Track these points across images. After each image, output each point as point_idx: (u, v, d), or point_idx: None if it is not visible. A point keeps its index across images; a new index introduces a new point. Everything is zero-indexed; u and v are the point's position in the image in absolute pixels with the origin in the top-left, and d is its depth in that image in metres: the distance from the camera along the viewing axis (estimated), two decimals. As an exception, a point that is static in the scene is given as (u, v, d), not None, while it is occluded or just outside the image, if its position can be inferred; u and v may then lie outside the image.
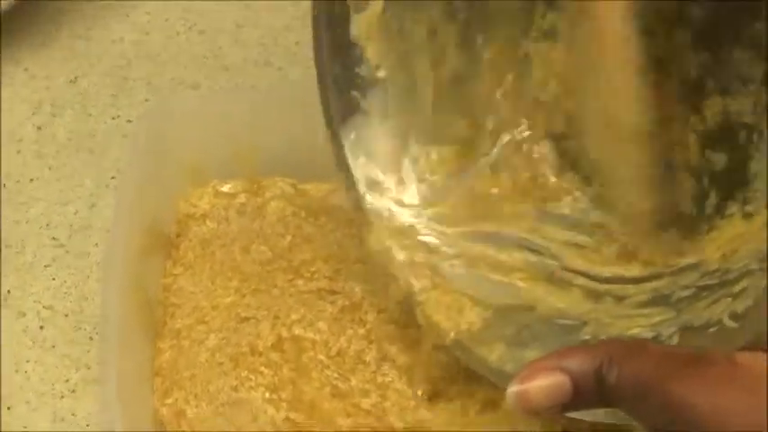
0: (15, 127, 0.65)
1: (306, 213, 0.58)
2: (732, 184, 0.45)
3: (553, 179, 0.52)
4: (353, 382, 0.52)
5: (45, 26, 0.70)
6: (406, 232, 0.51)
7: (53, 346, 0.56)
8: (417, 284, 0.50)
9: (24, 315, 0.57)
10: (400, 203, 0.52)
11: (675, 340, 0.42)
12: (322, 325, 0.54)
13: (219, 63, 0.69)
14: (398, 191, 0.52)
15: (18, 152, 0.64)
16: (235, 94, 0.66)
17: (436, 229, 0.51)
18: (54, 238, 0.61)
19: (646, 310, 0.45)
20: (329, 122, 0.51)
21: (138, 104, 0.66)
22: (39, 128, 0.65)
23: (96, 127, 0.65)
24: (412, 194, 0.52)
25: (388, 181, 0.52)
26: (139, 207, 0.54)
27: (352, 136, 0.51)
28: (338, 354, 0.53)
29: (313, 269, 0.56)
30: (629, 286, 0.47)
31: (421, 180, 0.52)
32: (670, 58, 0.46)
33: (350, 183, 0.51)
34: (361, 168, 0.51)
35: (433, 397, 0.51)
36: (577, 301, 0.48)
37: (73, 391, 0.55)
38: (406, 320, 0.53)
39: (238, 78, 0.68)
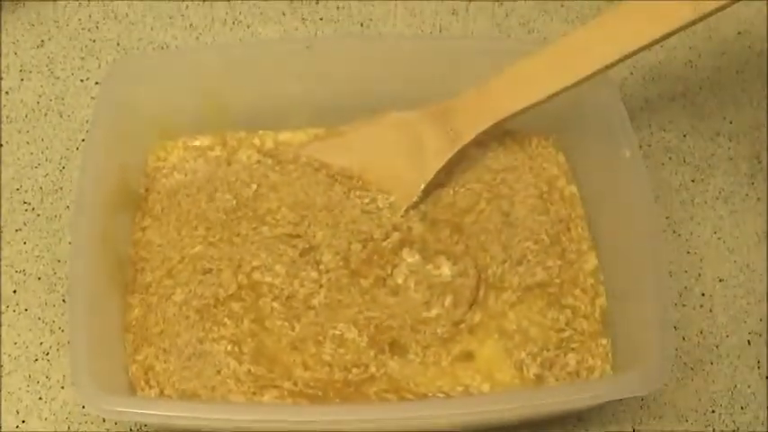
0: (-17, 93, 0.64)
1: (273, 162, 0.57)
2: None
3: None
4: (298, 329, 0.51)
5: (11, -8, 0.69)
6: None
7: (26, 310, 0.56)
8: None
9: (-4, 280, 0.57)
10: None
11: None
12: (279, 268, 0.53)
13: (187, 22, 0.68)
14: None
15: (-14, 118, 0.63)
16: (204, 51, 0.64)
17: None
18: (25, 202, 0.60)
19: None
20: None
21: (106, 66, 0.65)
22: (7, 92, 0.64)
23: (65, 89, 0.64)
24: None
25: None
26: (107, 165, 0.53)
27: None
28: (288, 298, 0.52)
29: (278, 216, 0.55)
30: None
31: None
32: None
33: None
34: None
35: (393, 347, 0.51)
36: None
37: (47, 354, 0.54)
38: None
39: (207, 37, 0.67)
